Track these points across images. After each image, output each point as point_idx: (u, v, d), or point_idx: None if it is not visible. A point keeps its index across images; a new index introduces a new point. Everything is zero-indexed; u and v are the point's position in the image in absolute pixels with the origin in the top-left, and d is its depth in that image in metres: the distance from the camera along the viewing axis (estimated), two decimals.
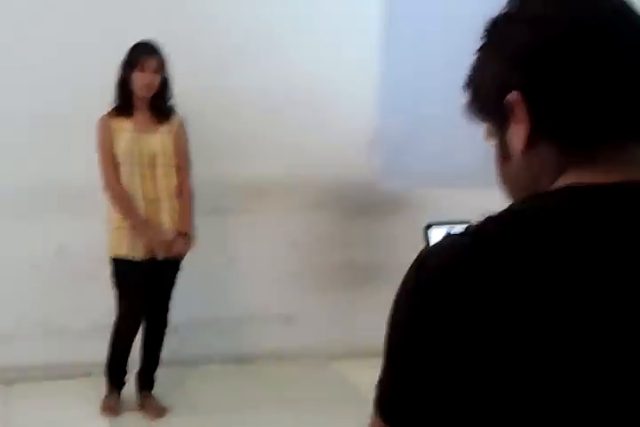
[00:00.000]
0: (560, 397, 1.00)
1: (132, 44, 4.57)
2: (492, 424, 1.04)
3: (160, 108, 4.65)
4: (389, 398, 1.11)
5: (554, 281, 1.01)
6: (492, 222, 1.09)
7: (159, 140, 4.64)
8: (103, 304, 4.84)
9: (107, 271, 4.68)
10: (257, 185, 5.52)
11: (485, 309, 1.02)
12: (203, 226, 4.85)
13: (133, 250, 4.60)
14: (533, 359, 1.00)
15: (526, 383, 1.00)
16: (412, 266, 1.11)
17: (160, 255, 4.64)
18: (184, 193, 4.73)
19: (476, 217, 1.11)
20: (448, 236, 1.13)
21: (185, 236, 4.70)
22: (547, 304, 1.00)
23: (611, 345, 0.99)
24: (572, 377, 0.99)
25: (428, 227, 1.67)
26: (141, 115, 4.63)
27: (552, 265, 1.02)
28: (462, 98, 1.22)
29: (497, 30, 1.16)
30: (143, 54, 4.53)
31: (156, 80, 4.56)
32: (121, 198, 4.58)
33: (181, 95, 4.73)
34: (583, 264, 1.01)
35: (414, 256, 1.13)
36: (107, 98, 4.57)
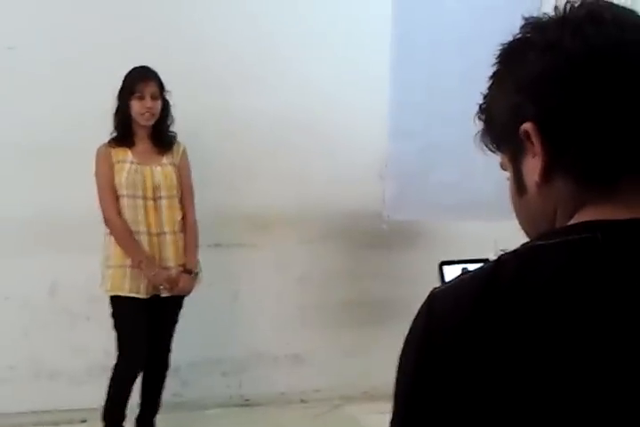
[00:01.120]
0: None
1: (128, 69, 4.58)
2: None
3: (162, 136, 4.66)
4: None
5: (570, 333, 1.01)
6: (506, 262, 1.08)
7: (162, 171, 4.63)
8: (99, 345, 4.84)
9: (103, 310, 4.65)
10: (261, 216, 5.53)
11: (497, 362, 1.02)
12: (204, 260, 4.85)
13: (136, 289, 4.57)
14: (543, 416, 1.00)
15: None
16: (421, 309, 1.11)
17: (164, 293, 4.63)
18: (188, 227, 4.73)
19: (491, 253, 1.12)
20: (460, 277, 1.13)
21: (190, 272, 4.69)
22: (562, 360, 1.00)
23: (626, 408, 0.99)
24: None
25: (442, 264, 1.67)
26: (142, 145, 4.64)
27: (569, 316, 1.01)
28: (477, 124, 1.22)
29: (510, 56, 1.17)
30: (140, 80, 4.54)
31: (157, 106, 4.57)
32: (123, 233, 4.56)
33: (181, 121, 4.74)
34: (606, 313, 1.01)
35: (427, 293, 1.13)
36: (102, 127, 4.56)
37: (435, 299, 1.12)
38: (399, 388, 1.11)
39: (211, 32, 5.30)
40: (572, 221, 1.11)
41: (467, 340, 1.04)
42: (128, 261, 4.56)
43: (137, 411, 4.84)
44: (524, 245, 1.11)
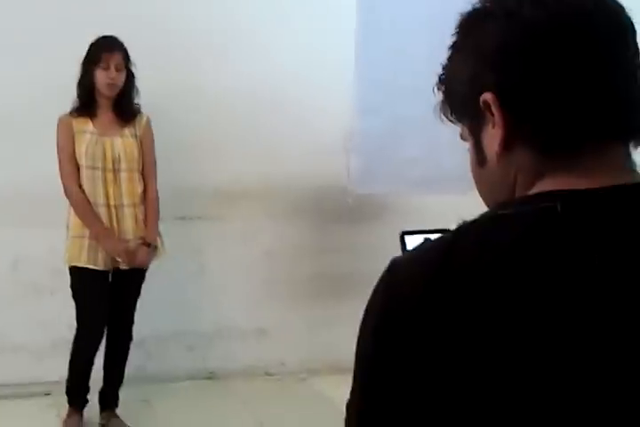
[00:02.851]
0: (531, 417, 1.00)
1: (93, 39, 4.54)
2: None
3: (125, 108, 4.62)
4: (359, 421, 1.11)
5: (529, 299, 1.01)
6: (465, 231, 1.09)
7: (123, 142, 4.60)
8: (63, 319, 4.81)
9: (66, 284, 4.63)
10: (227, 190, 5.52)
11: (452, 332, 1.02)
12: (170, 234, 4.84)
13: (94, 260, 4.56)
14: (500, 386, 1.00)
15: (495, 409, 1.01)
16: (381, 278, 1.11)
17: (123, 265, 4.62)
18: (149, 199, 4.71)
19: (454, 226, 1.12)
20: (420, 246, 1.13)
21: (149, 245, 4.67)
22: (515, 330, 1.00)
23: (583, 373, 0.99)
24: (538, 404, 1.00)
25: (404, 234, 1.68)
26: (105, 115, 4.60)
27: (525, 286, 1.01)
28: (437, 95, 1.21)
29: (470, 26, 1.16)
30: (105, 50, 4.50)
31: (121, 77, 4.54)
32: (82, 204, 4.54)
33: (147, 94, 4.71)
34: (561, 283, 1.01)
35: None
36: (65, 97, 4.52)
37: (394, 268, 1.11)
38: (359, 355, 1.11)
39: (180, 6, 5.27)
40: (531, 191, 1.11)
41: (424, 309, 1.04)
42: (86, 232, 4.55)
43: (100, 384, 4.82)
44: (483, 214, 1.11)
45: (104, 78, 4.50)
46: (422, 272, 1.07)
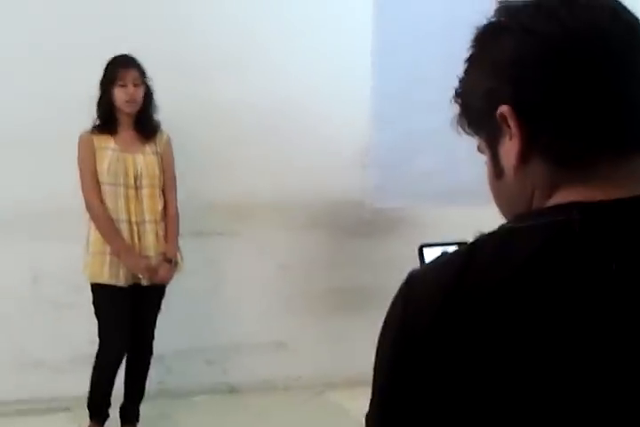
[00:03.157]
0: None
1: (109, 58, 4.57)
2: None
3: (145, 124, 4.64)
4: None
5: (546, 314, 1.01)
6: (483, 244, 1.09)
7: (145, 159, 4.62)
8: (83, 333, 4.83)
9: (86, 298, 4.65)
10: (243, 205, 5.53)
11: (472, 348, 1.02)
12: (186, 249, 4.84)
13: (116, 276, 4.57)
14: (521, 402, 1.00)
15: (502, 414, 1.01)
16: (399, 292, 1.12)
17: (144, 281, 4.62)
18: (170, 216, 4.72)
19: (471, 237, 1.12)
20: (438, 259, 1.13)
21: (170, 261, 4.68)
22: (535, 347, 1.00)
23: (598, 394, 1.00)
24: (557, 421, 1.00)
25: (422, 247, 1.68)
26: (126, 132, 4.62)
27: (544, 301, 1.02)
28: (453, 108, 1.22)
29: (485, 40, 1.16)
30: (121, 67, 4.53)
31: (139, 93, 4.56)
32: (104, 219, 4.55)
33: (163, 110, 4.72)
34: (579, 298, 1.01)
35: None
36: (83, 116, 4.53)
37: (412, 281, 1.12)
38: (377, 369, 1.12)
39: (193, 21, 5.29)
40: (548, 204, 1.11)
41: (442, 323, 1.04)
42: (108, 248, 4.57)
43: (121, 399, 4.83)
44: (500, 227, 1.12)
45: (123, 95, 4.52)
46: (440, 286, 1.07)
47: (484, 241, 1.09)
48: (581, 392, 1.00)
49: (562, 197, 1.11)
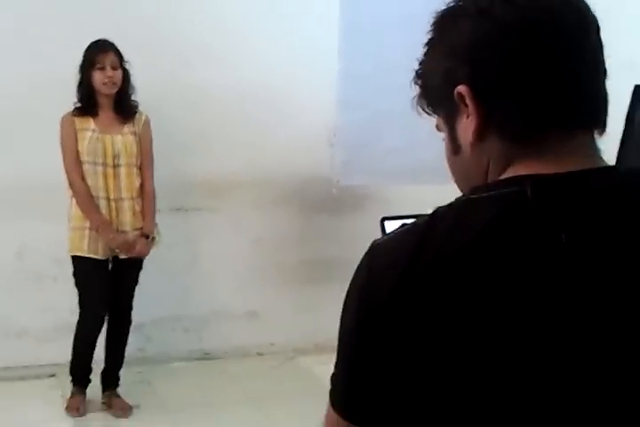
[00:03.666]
0: (485, 388, 1.02)
1: (88, 41, 4.54)
2: (435, 415, 1.06)
3: (124, 106, 4.62)
4: (342, 392, 1.13)
5: (500, 278, 1.02)
6: (442, 215, 1.09)
7: (123, 139, 4.61)
8: (65, 304, 4.82)
9: (69, 271, 4.64)
10: (218, 182, 5.53)
11: (433, 310, 1.03)
12: (164, 224, 4.84)
13: (94, 250, 4.58)
14: (469, 353, 1.02)
15: (459, 375, 1.02)
16: (362, 261, 1.12)
17: (122, 254, 4.64)
18: (146, 193, 4.71)
19: (431, 211, 1.12)
20: (399, 229, 1.13)
21: (147, 237, 4.68)
22: (491, 308, 1.01)
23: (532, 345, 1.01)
24: (499, 371, 1.01)
25: (384, 220, 1.68)
26: (105, 114, 4.60)
27: (498, 262, 1.03)
28: (414, 89, 1.22)
29: (444, 24, 1.16)
30: (100, 52, 4.52)
31: (118, 75, 4.54)
32: (84, 196, 4.55)
33: (140, 92, 4.70)
34: (533, 260, 1.02)
35: None
36: (63, 96, 4.51)
37: (374, 250, 1.12)
38: (342, 331, 1.13)
39: (174, 7, 5.25)
40: (502, 177, 1.12)
41: (403, 291, 1.05)
42: (87, 223, 4.57)
43: (102, 365, 4.83)
44: (457, 199, 1.12)
45: (101, 78, 4.50)
46: (400, 254, 1.07)
47: (442, 212, 1.10)
48: (528, 350, 1.01)
49: (515, 170, 1.11)
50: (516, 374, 1.01)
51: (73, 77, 4.53)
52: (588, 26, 1.13)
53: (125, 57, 4.58)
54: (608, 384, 1.01)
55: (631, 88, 3.00)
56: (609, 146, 1.23)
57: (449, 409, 1.04)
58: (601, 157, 1.14)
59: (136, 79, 4.64)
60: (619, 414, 1.01)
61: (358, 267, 1.12)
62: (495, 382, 1.02)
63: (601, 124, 1.14)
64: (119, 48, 4.56)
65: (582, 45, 1.11)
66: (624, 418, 1.01)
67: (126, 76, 4.59)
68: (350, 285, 1.12)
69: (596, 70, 1.13)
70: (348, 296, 1.12)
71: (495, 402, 1.02)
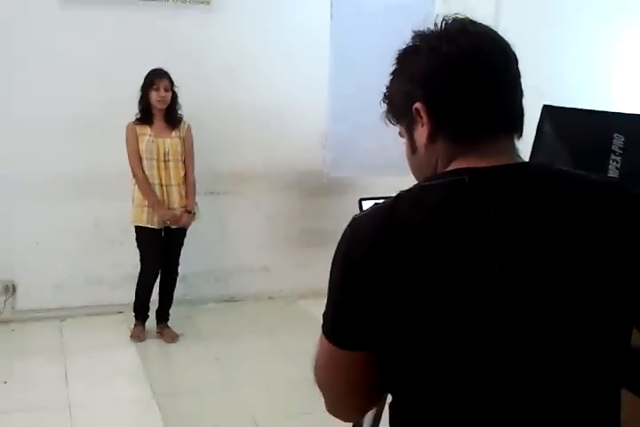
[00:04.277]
0: (435, 326, 1.03)
1: (146, 71, 4.55)
2: (401, 342, 1.06)
3: (171, 117, 4.59)
4: (330, 323, 1.14)
5: (444, 243, 1.02)
6: (402, 197, 1.10)
7: (171, 142, 4.59)
8: (130, 261, 4.82)
9: (132, 237, 4.64)
10: (241, 173, 5.51)
11: (396, 268, 1.04)
12: (202, 204, 4.82)
13: (151, 221, 4.58)
14: (421, 296, 1.03)
15: (416, 310, 1.03)
16: (345, 232, 1.13)
17: (171, 226, 4.63)
18: (189, 180, 4.69)
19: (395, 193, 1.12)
20: (372, 207, 1.14)
21: (189, 212, 4.67)
22: (436, 268, 1.02)
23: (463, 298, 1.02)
24: (443, 308, 1.02)
25: (361, 200, 1.70)
26: (158, 123, 4.58)
27: (444, 232, 1.03)
28: (383, 106, 1.22)
29: (405, 58, 1.16)
30: (156, 77, 4.49)
31: (168, 96, 4.52)
32: (143, 183, 4.53)
33: (188, 108, 4.69)
34: (468, 231, 1.02)
35: None
36: (127, 110, 4.52)
37: (354, 222, 1.13)
38: (331, 279, 1.13)
39: (206, 46, 5.22)
40: (447, 169, 1.12)
41: (374, 253, 1.05)
42: (145, 202, 4.56)
43: (157, 305, 4.85)
44: (414, 185, 1.13)
45: (156, 97, 4.49)
46: (373, 226, 1.08)
47: (403, 195, 1.10)
48: (467, 292, 1.01)
49: (457, 164, 1.12)
50: (459, 308, 1.01)
51: (134, 95, 4.52)
52: (510, 59, 1.13)
53: (175, 82, 4.56)
54: (532, 319, 1.01)
55: (540, 107, 2.99)
56: (525, 148, 1.23)
57: (412, 335, 1.05)
58: (519, 155, 1.14)
59: (182, 98, 4.63)
60: (547, 346, 1.01)
61: (342, 235, 1.13)
62: (442, 317, 1.02)
63: (519, 131, 1.15)
64: (171, 75, 4.54)
65: (505, 74, 1.12)
66: (553, 351, 1.02)
67: (174, 96, 4.57)
68: (337, 248, 1.13)
69: (516, 92, 1.13)
70: (335, 256, 1.13)
71: (446, 331, 1.03)
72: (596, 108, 3.14)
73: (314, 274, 5.63)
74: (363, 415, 1.56)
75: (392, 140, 1.33)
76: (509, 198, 1.04)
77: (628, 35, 6.27)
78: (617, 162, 2.88)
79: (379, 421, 1.90)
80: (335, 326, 1.12)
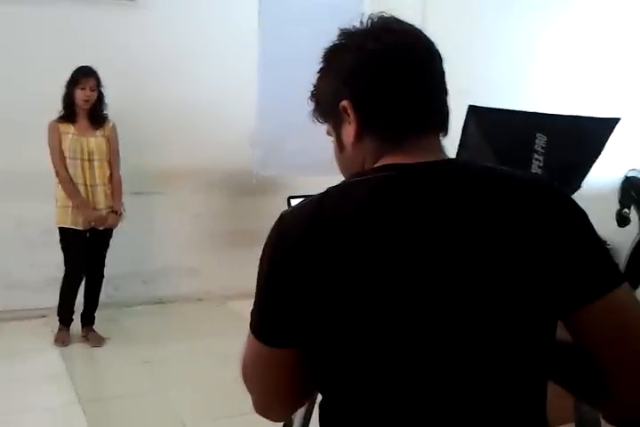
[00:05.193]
0: (369, 315, 1.03)
1: (72, 69, 4.44)
2: (326, 336, 1.06)
3: (96, 116, 4.51)
4: (257, 320, 1.13)
5: (371, 237, 1.03)
6: (331, 193, 1.10)
7: (96, 141, 4.51)
8: (54, 264, 4.71)
9: (56, 239, 4.53)
10: (169, 172, 5.46)
11: (325, 260, 1.03)
12: (127, 204, 4.75)
13: (76, 222, 4.49)
14: (347, 286, 1.03)
15: (341, 303, 1.03)
16: (273, 226, 1.12)
17: (97, 227, 4.55)
18: (114, 180, 4.62)
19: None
20: (300, 202, 1.14)
21: (116, 213, 4.60)
22: (365, 259, 1.02)
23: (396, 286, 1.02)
24: (375, 308, 1.02)
25: (290, 198, 1.69)
26: (82, 122, 4.49)
27: (371, 226, 1.03)
28: (310, 105, 1.21)
29: (331, 56, 1.16)
30: (83, 76, 4.40)
31: (94, 95, 4.45)
32: (67, 183, 4.44)
33: (113, 105, 4.61)
34: (396, 225, 1.03)
35: None
36: (51, 108, 4.40)
37: (282, 217, 1.12)
38: (259, 276, 1.12)
39: (136, 44, 5.14)
40: (375, 166, 1.13)
41: (302, 246, 1.05)
42: (69, 203, 4.47)
43: (81, 308, 4.74)
44: (342, 182, 1.13)
45: (82, 96, 4.41)
46: (301, 220, 1.07)
47: (332, 190, 1.10)
48: (391, 282, 1.02)
49: (384, 161, 1.12)
50: (384, 303, 1.02)
51: (58, 92, 4.42)
52: (434, 57, 1.14)
53: (102, 80, 4.48)
54: (457, 313, 1.02)
55: (466, 107, 3.05)
56: (451, 147, 1.25)
57: (337, 330, 1.05)
58: (444, 152, 1.16)
59: (107, 96, 4.54)
60: (466, 328, 1.03)
61: (271, 229, 1.11)
62: (366, 312, 1.02)
63: (444, 129, 1.16)
64: (98, 72, 4.45)
65: (429, 71, 1.13)
66: (470, 334, 1.03)
67: (100, 96, 4.50)
68: (266, 241, 1.11)
69: (440, 89, 1.14)
70: (263, 249, 1.11)
71: (371, 325, 1.03)
72: (520, 108, 3.22)
73: (243, 275, 5.59)
74: (290, 414, 1.54)
75: (321, 139, 1.32)
76: (436, 193, 1.05)
77: (548, 33, 6.46)
78: (539, 161, 2.96)
79: (309, 420, 1.90)
80: (261, 321, 1.11)
